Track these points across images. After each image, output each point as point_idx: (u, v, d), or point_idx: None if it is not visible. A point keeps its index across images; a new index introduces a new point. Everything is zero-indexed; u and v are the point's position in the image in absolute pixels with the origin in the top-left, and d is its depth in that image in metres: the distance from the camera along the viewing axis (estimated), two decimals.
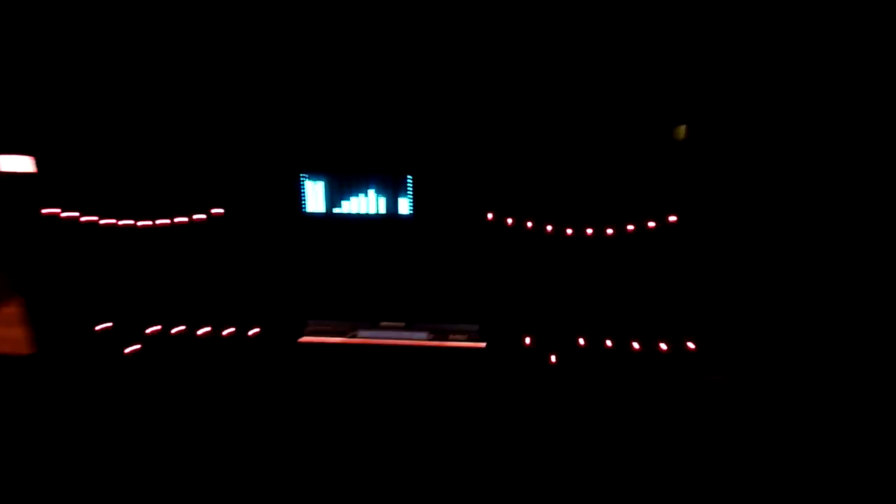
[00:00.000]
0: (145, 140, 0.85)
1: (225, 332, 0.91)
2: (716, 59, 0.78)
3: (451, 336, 0.90)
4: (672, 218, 0.83)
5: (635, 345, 0.88)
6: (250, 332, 0.91)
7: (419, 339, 0.89)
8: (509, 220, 0.85)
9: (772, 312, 0.85)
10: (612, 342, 0.88)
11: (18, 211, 0.87)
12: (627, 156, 0.82)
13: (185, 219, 0.86)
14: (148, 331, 0.92)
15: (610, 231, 0.84)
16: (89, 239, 0.88)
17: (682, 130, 0.81)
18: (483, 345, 0.89)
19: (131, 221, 0.87)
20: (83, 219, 0.87)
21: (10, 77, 0.82)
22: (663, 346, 0.88)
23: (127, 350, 0.92)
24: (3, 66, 0.82)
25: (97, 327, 0.92)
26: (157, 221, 0.87)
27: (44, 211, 0.87)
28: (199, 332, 0.91)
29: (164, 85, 0.82)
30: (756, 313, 0.86)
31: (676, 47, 0.78)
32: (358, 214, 0.86)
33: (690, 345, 0.87)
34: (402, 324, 0.91)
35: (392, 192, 0.85)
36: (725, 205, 0.82)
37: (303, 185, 0.85)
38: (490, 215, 0.85)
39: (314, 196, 0.86)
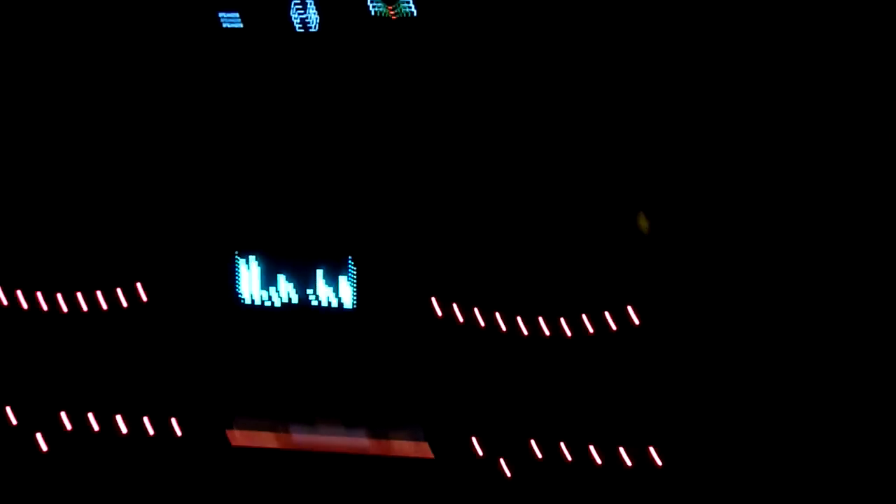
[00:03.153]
0: (66, 212, 0.79)
1: (150, 430, 0.83)
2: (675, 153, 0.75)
3: (392, 435, 0.82)
4: (631, 313, 0.77)
5: (594, 454, 0.80)
6: (175, 429, 0.83)
7: (359, 443, 0.81)
8: (457, 310, 0.78)
9: (737, 419, 0.78)
10: (568, 450, 0.80)
11: None
12: (587, 245, 0.77)
13: (105, 303, 0.80)
14: (62, 423, 0.83)
15: (567, 331, 0.77)
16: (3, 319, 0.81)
17: (644, 222, 0.76)
18: (429, 452, 0.81)
19: (46, 307, 0.80)
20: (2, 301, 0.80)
21: None
22: (625, 455, 0.80)
23: (39, 445, 0.83)
24: None
25: (7, 417, 0.84)
26: (78, 302, 0.80)
27: None
28: (119, 423, 0.83)
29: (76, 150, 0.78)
30: (723, 420, 0.79)
31: (635, 139, 0.75)
32: (295, 304, 0.80)
33: (655, 456, 0.79)
34: (340, 422, 0.83)
35: (333, 279, 0.79)
36: (691, 301, 0.77)
37: (237, 267, 0.79)
38: (436, 304, 0.79)
39: (248, 281, 0.80)
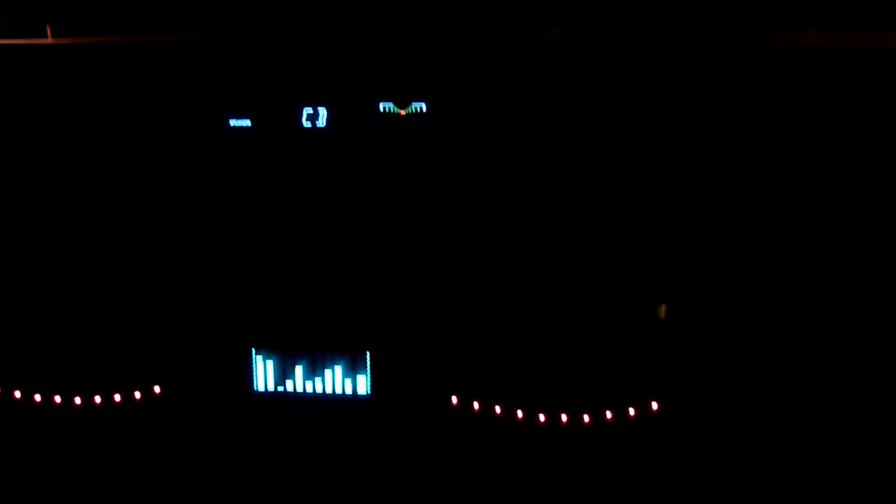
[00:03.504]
0: (79, 309, 0.79)
1: None
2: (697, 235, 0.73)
3: None
4: (654, 405, 0.75)
5: None
6: None
7: None
8: (475, 405, 0.77)
9: None
10: None
11: None
12: (604, 338, 0.75)
13: (119, 397, 0.79)
14: None
15: (587, 418, 0.76)
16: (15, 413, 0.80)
17: (662, 310, 0.74)
18: None
19: (59, 399, 0.79)
20: (15, 394, 0.80)
21: None
22: None
23: None
24: None
25: None
26: (94, 399, 0.79)
27: None
28: None
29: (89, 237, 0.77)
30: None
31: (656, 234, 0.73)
32: (311, 394, 0.79)
33: None
34: None
35: (349, 370, 0.78)
36: (710, 390, 0.75)
37: (253, 361, 0.78)
38: (455, 399, 0.77)
39: (263, 373, 0.79)
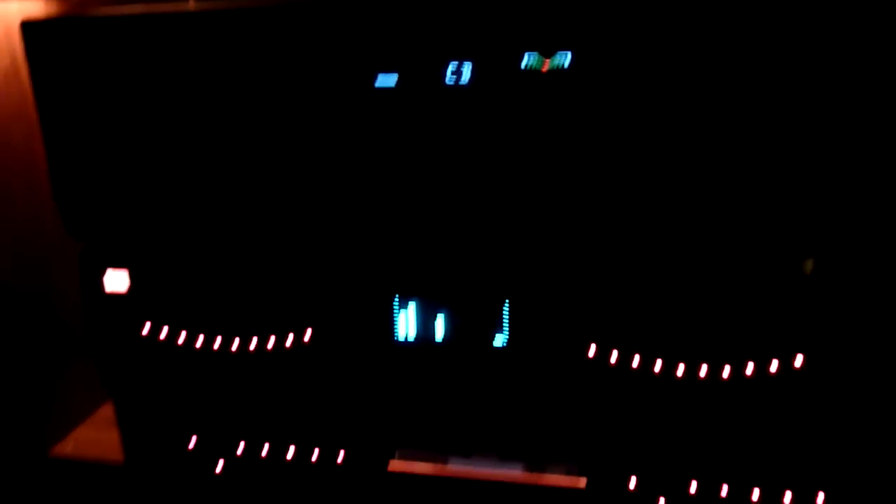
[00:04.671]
0: (236, 258, 0.84)
1: (314, 457, 0.88)
2: (850, 180, 0.70)
3: (548, 472, 0.83)
4: (798, 360, 0.74)
5: (755, 496, 0.79)
6: (339, 458, 0.88)
7: (514, 474, 0.83)
8: (614, 355, 0.78)
9: None
10: (727, 490, 0.79)
11: (118, 330, 0.87)
12: (748, 290, 0.74)
13: (274, 341, 0.84)
14: (237, 451, 0.90)
15: (726, 372, 0.76)
16: (181, 358, 0.87)
17: (809, 264, 0.73)
18: (583, 484, 0.82)
19: (220, 342, 0.86)
20: (179, 338, 0.86)
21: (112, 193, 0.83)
22: (787, 498, 0.78)
23: (216, 469, 0.91)
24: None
25: (189, 443, 0.91)
26: (249, 343, 0.85)
27: (143, 332, 0.87)
28: (288, 455, 0.89)
29: (249, 201, 0.82)
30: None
31: (805, 168, 0.71)
32: (448, 342, 0.82)
33: (821, 499, 0.77)
34: (495, 456, 0.85)
35: (487, 318, 0.81)
36: (858, 346, 0.73)
37: (395, 310, 0.82)
38: (593, 348, 0.79)
39: (405, 322, 0.82)
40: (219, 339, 0.85)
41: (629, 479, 0.82)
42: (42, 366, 1.01)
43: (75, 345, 1.04)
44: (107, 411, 1.07)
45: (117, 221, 0.84)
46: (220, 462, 0.91)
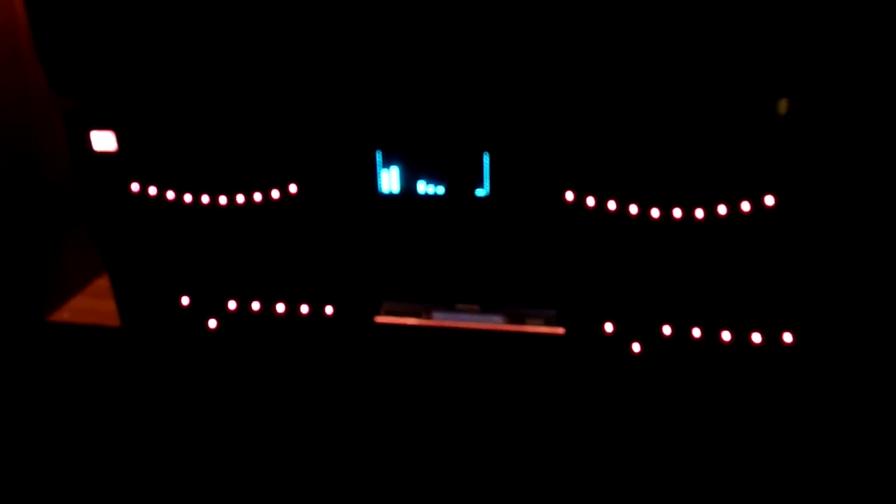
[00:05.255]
0: (223, 117, 0.85)
1: (303, 311, 0.91)
2: (826, 19, 0.71)
3: (528, 321, 0.87)
4: (769, 200, 0.76)
5: (725, 336, 0.82)
6: (327, 312, 0.91)
7: (495, 323, 0.87)
8: (591, 201, 0.80)
9: (882, 305, 0.78)
10: (700, 332, 0.83)
11: (107, 189, 0.89)
12: (721, 131, 0.76)
13: (261, 196, 0.86)
14: (228, 307, 0.93)
15: (700, 213, 0.78)
16: (170, 215, 0.89)
17: (783, 104, 0.74)
18: (562, 331, 0.85)
19: (208, 199, 0.87)
20: (168, 196, 0.88)
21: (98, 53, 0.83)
22: (757, 338, 0.82)
23: (209, 325, 0.94)
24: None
25: (180, 302, 0.94)
26: (236, 198, 0.87)
27: (133, 188, 0.88)
28: (277, 309, 0.92)
29: (238, 62, 0.82)
30: (863, 305, 0.78)
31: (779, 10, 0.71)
32: (432, 195, 0.84)
33: (787, 338, 0.81)
34: (477, 307, 0.88)
35: (468, 170, 0.82)
36: (830, 186, 0.75)
37: (377, 163, 0.84)
38: (570, 195, 0.81)
39: (388, 175, 0.84)
40: (205, 196, 0.87)
41: (605, 325, 0.85)
42: (36, 234, 1.03)
43: (68, 216, 1.06)
44: (102, 283, 1.10)
45: (103, 75, 0.84)
46: (213, 320, 0.94)
